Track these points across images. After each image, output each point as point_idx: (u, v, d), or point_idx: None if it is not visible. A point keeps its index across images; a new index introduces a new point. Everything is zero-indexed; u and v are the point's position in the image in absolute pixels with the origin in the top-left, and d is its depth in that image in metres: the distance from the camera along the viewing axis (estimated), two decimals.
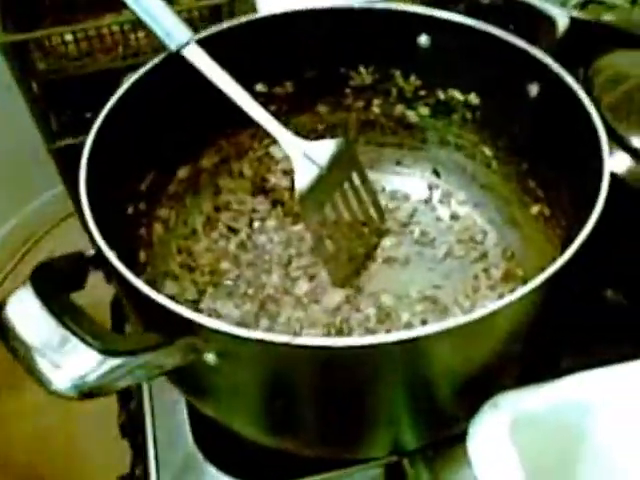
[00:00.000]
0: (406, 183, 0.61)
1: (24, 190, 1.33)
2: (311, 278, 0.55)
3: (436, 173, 0.61)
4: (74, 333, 0.32)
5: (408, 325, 0.52)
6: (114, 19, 1.00)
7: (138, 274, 0.35)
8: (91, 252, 0.38)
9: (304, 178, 0.51)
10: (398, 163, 0.62)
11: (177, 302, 0.33)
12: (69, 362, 0.32)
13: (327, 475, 0.48)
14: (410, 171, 0.62)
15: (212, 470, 0.48)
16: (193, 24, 0.99)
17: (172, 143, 0.53)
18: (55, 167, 1.08)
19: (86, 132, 1.06)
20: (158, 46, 1.16)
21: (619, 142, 0.47)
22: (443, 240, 0.58)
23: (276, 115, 0.51)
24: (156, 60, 0.48)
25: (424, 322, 0.52)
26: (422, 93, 0.57)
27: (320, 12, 0.53)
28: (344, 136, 0.59)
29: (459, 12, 0.51)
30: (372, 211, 0.57)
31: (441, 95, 0.56)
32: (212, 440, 0.49)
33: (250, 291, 0.55)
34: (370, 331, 0.51)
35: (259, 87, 0.56)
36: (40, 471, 1.06)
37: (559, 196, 0.49)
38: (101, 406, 0.50)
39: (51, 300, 0.33)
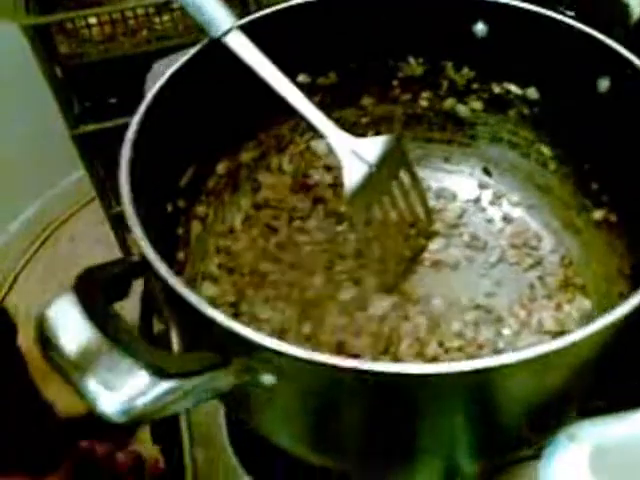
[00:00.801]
0: (454, 182, 0.58)
1: (45, 176, 1.31)
2: (356, 283, 0.52)
3: (487, 172, 0.57)
4: (123, 350, 0.29)
5: (459, 335, 0.49)
6: (139, 2, 0.97)
7: (177, 275, 0.32)
8: (135, 258, 0.35)
9: (353, 176, 0.47)
10: (446, 160, 0.58)
11: (216, 306, 0.30)
12: (117, 383, 0.29)
13: None
14: (459, 169, 0.58)
15: None
16: None
17: (212, 135, 0.49)
18: (77, 153, 1.05)
19: (109, 118, 1.03)
20: (182, 30, 1.12)
21: None
22: (495, 244, 0.54)
23: (319, 108, 0.48)
24: (197, 48, 0.45)
25: (476, 332, 0.49)
26: (475, 86, 0.53)
27: None
28: (388, 131, 0.56)
29: None
30: (420, 212, 0.54)
31: (496, 88, 0.52)
32: (252, 452, 0.47)
33: (291, 295, 0.52)
34: (421, 342, 0.48)
35: (302, 78, 0.53)
36: None
37: (626, 201, 0.46)
38: None
39: (95, 312, 0.30)
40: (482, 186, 0.57)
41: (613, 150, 0.46)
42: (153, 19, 1.03)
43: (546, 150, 0.52)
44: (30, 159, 1.22)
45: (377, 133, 0.56)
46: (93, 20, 0.98)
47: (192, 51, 0.45)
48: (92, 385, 0.29)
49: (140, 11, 0.99)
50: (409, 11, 0.50)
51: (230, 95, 0.49)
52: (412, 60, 0.53)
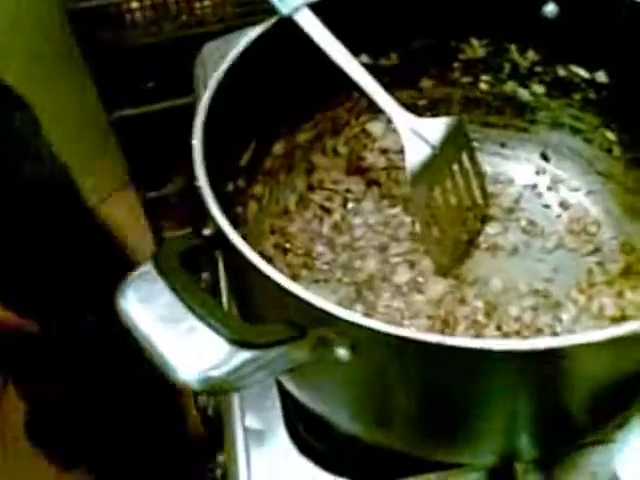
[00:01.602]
0: (510, 167, 0.57)
1: (80, 159, 1.32)
2: (411, 265, 0.51)
3: (544, 157, 0.56)
4: (202, 318, 0.29)
5: (517, 319, 0.48)
6: None
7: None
8: (207, 231, 0.35)
9: (415, 157, 0.47)
10: (502, 145, 0.57)
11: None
12: (196, 351, 0.29)
13: (425, 476, 0.45)
14: (515, 154, 0.57)
15: (309, 465, 0.45)
16: None
17: (272, 115, 0.49)
18: (114, 137, 1.06)
19: (147, 102, 1.03)
20: (223, 14, 1.11)
21: None
22: (552, 230, 0.53)
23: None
24: (266, 25, 0.45)
25: (535, 317, 0.48)
26: (539, 69, 0.52)
27: None
28: (446, 114, 0.55)
29: None
30: (478, 195, 0.53)
31: (561, 72, 0.51)
32: (307, 432, 0.47)
33: (346, 277, 0.51)
34: (478, 325, 0.48)
35: (363, 59, 0.52)
36: None
37: None
38: None
39: (176, 282, 0.30)
40: (539, 171, 0.56)
41: None
42: (193, 4, 1.03)
43: (611, 135, 0.51)
44: (65, 144, 1.24)
45: (434, 115, 0.56)
46: (135, 4, 0.99)
47: (258, 29, 0.45)
48: (168, 350, 0.29)
49: None
50: None
51: (291, 74, 0.49)
52: (475, 42, 0.53)
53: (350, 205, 0.56)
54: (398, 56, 0.53)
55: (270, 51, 0.46)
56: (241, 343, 0.29)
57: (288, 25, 0.46)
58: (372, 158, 0.57)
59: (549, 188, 0.56)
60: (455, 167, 0.50)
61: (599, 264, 0.51)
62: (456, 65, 0.54)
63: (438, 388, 0.34)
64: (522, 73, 0.53)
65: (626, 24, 0.45)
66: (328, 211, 0.55)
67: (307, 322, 0.30)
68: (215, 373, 0.29)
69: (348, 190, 0.56)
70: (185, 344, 0.29)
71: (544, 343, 0.28)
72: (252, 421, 0.47)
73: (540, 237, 0.53)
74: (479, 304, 0.49)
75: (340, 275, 0.52)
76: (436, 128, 0.48)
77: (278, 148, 0.53)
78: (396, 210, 0.55)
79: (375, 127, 0.57)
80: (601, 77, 0.49)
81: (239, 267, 0.34)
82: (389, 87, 0.54)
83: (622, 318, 0.46)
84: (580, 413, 0.37)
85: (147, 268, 0.31)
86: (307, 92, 0.51)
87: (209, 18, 1.05)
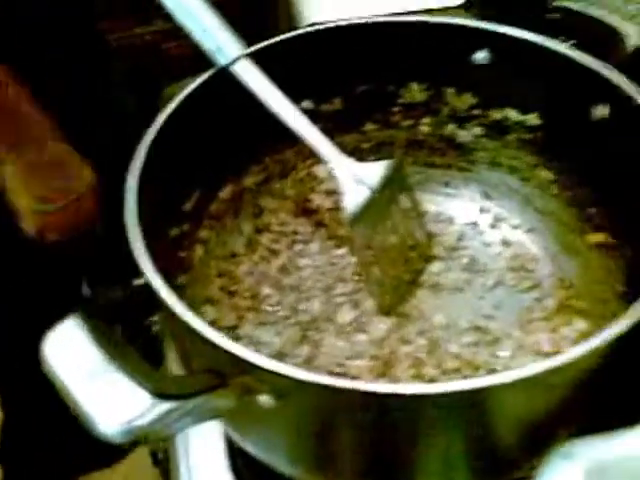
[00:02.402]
0: (454, 205, 0.59)
1: None
2: (355, 305, 0.52)
3: (487, 196, 0.58)
4: (124, 372, 0.30)
5: (457, 357, 0.49)
6: (144, 30, 0.99)
7: (178, 298, 0.33)
8: (137, 282, 0.35)
9: (354, 200, 0.48)
10: (446, 184, 0.59)
11: (216, 329, 0.31)
12: (117, 403, 0.30)
13: None
14: (459, 192, 0.59)
15: None
16: None
17: (217, 160, 0.51)
18: None
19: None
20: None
21: None
22: (493, 267, 0.55)
23: (322, 134, 0.49)
24: (204, 77, 0.46)
25: (474, 354, 0.49)
26: (476, 112, 0.54)
27: (373, 25, 0.51)
28: (389, 156, 0.57)
29: (519, 27, 0.49)
30: (420, 235, 0.54)
31: (497, 115, 0.53)
32: (251, 475, 0.47)
33: (291, 318, 0.52)
34: (419, 364, 0.48)
35: (306, 104, 0.54)
36: None
37: (626, 225, 0.46)
38: None
39: (98, 335, 0.31)
40: (482, 210, 0.58)
41: (613, 175, 0.47)
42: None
43: (548, 175, 0.53)
44: None
45: (378, 158, 0.57)
46: None
47: (199, 79, 0.46)
48: (88, 404, 0.29)
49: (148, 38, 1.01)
50: (412, 39, 0.52)
51: (237, 120, 0.50)
52: (414, 86, 0.54)
53: (297, 247, 0.57)
54: (341, 101, 0.55)
55: (211, 100, 0.47)
56: (161, 394, 0.29)
57: (229, 74, 0.47)
58: (319, 200, 0.58)
59: (492, 226, 0.57)
60: (394, 208, 0.52)
61: (537, 300, 0.52)
62: (397, 109, 0.56)
63: (364, 431, 0.34)
64: (460, 116, 0.55)
65: (552, 70, 0.47)
66: (275, 253, 0.56)
67: (228, 370, 0.31)
68: (138, 423, 0.29)
69: (295, 232, 0.57)
70: (106, 396, 0.29)
71: (452, 386, 0.29)
72: (196, 460, 0.48)
73: (482, 274, 0.54)
74: (421, 341, 0.50)
75: (286, 316, 0.52)
76: (375, 171, 0.49)
77: (226, 192, 0.54)
78: (342, 251, 0.56)
79: (321, 170, 0.58)
80: (533, 119, 0.51)
81: (168, 317, 0.35)
82: (333, 131, 0.55)
83: (556, 354, 0.47)
84: (506, 449, 0.38)
85: (73, 319, 0.31)
86: (254, 136, 0.53)
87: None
